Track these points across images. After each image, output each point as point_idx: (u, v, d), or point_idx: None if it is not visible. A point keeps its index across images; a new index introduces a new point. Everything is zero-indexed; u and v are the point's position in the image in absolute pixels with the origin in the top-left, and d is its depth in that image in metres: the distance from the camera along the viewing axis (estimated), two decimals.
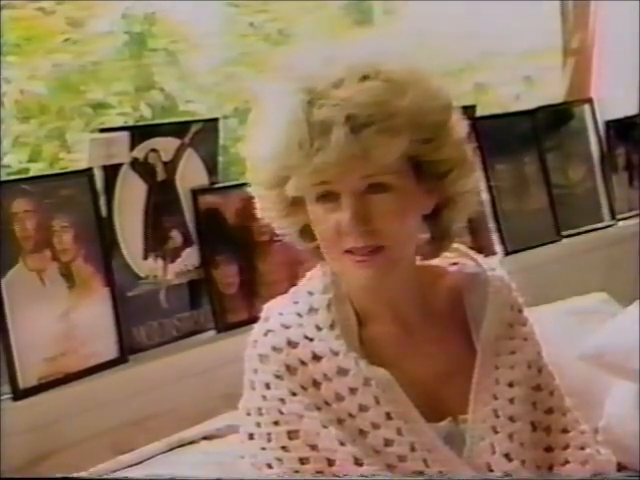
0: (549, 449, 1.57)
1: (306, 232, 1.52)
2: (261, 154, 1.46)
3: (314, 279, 1.56)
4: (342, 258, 1.46)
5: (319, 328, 1.49)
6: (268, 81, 1.49)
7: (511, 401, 1.53)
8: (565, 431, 1.59)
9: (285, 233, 1.55)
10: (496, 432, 1.50)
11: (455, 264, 1.62)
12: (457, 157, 1.48)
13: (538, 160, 3.02)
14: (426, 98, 1.43)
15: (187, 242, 2.22)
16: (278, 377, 1.47)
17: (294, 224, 1.53)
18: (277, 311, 1.53)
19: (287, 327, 1.50)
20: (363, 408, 1.46)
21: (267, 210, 1.53)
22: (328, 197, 1.43)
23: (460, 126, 1.50)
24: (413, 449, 1.46)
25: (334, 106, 1.39)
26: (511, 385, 1.54)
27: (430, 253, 1.56)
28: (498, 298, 1.58)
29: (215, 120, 2.32)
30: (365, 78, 1.41)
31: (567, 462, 1.57)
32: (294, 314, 1.52)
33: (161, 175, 2.19)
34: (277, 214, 1.52)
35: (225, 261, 2.25)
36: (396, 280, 1.49)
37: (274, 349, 1.48)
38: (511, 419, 1.52)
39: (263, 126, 1.46)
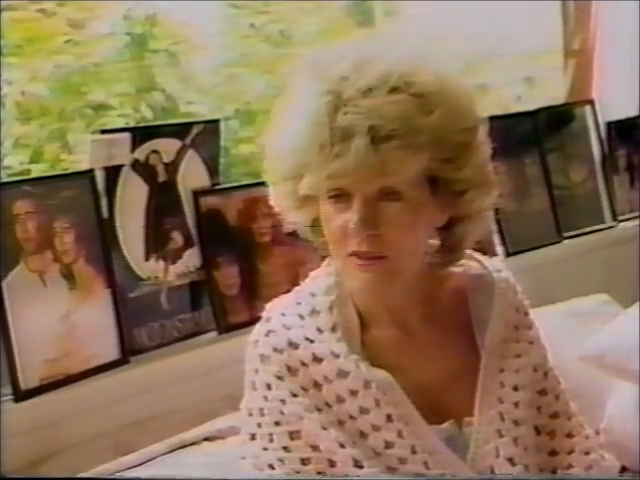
0: (553, 453, 1.57)
1: (317, 225, 1.52)
2: (281, 146, 1.45)
3: (317, 279, 1.56)
4: (346, 259, 1.45)
5: (320, 330, 1.49)
6: (301, 75, 1.47)
7: (516, 405, 1.53)
8: (570, 436, 1.59)
9: (297, 223, 1.55)
10: (501, 436, 1.50)
11: (460, 265, 1.61)
12: (476, 178, 1.47)
13: (539, 161, 3.02)
14: (453, 118, 1.42)
15: (188, 243, 2.22)
16: (279, 378, 1.47)
17: (306, 216, 1.52)
18: (279, 311, 1.53)
19: (288, 328, 1.50)
20: (364, 410, 1.46)
21: (281, 200, 1.52)
22: (341, 197, 1.43)
23: (484, 147, 1.48)
24: (414, 451, 1.45)
25: (359, 114, 1.38)
26: (516, 389, 1.53)
27: (439, 265, 1.55)
28: (504, 300, 1.58)
29: (216, 121, 2.32)
30: (395, 90, 1.39)
31: (571, 466, 1.57)
32: (296, 315, 1.51)
33: (162, 176, 2.19)
34: (290, 205, 1.51)
35: (226, 262, 2.25)
36: (397, 287, 1.48)
37: (275, 350, 1.48)
38: (516, 423, 1.52)
39: (287, 119, 1.45)
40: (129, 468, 1.87)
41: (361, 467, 1.44)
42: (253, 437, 1.50)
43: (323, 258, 1.58)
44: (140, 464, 1.89)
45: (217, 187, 2.29)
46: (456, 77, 1.48)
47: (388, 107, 1.38)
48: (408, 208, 1.42)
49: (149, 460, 1.90)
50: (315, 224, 1.52)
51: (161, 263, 2.17)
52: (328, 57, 1.46)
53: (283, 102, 1.48)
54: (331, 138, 1.38)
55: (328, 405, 1.46)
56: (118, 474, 1.85)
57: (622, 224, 3.23)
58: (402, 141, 1.38)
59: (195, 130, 2.25)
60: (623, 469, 1.90)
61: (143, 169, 2.15)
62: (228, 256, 2.26)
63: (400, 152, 1.38)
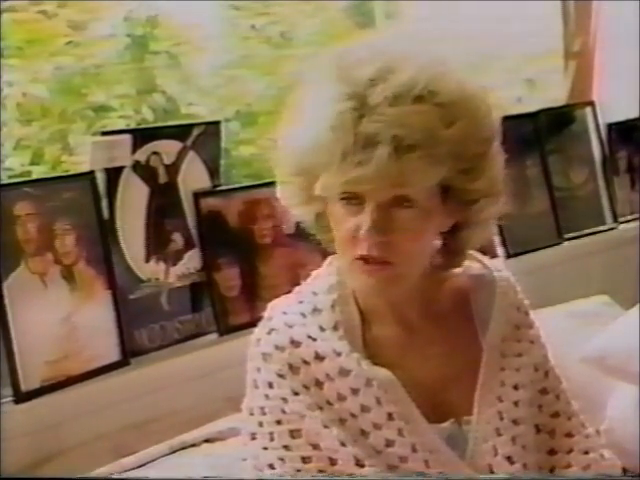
0: (552, 452, 1.57)
1: (322, 220, 1.51)
2: (298, 143, 1.44)
3: (319, 278, 1.56)
4: (353, 262, 1.45)
5: (322, 329, 1.49)
6: (324, 74, 1.44)
7: (516, 404, 1.53)
8: (569, 435, 1.59)
9: (302, 219, 1.55)
10: (499, 435, 1.50)
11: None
12: (488, 189, 1.48)
13: (540, 163, 3.02)
14: (472, 129, 1.43)
15: (189, 245, 2.22)
16: (281, 376, 1.47)
17: (311, 212, 1.52)
18: (281, 310, 1.53)
19: (290, 326, 1.50)
20: (365, 409, 1.46)
21: (287, 196, 1.52)
22: (353, 199, 1.43)
23: (499, 157, 1.50)
24: (414, 450, 1.45)
25: (383, 122, 1.37)
26: (516, 388, 1.54)
27: (441, 267, 1.55)
28: (505, 299, 1.58)
29: (217, 123, 2.32)
30: (419, 99, 1.39)
31: (570, 466, 1.57)
32: (298, 314, 1.51)
33: (163, 178, 2.19)
34: (297, 201, 1.51)
35: (227, 264, 2.25)
36: (399, 290, 1.49)
37: (277, 348, 1.48)
38: (515, 422, 1.52)
39: (308, 117, 1.43)
40: (130, 470, 1.87)
41: (362, 466, 1.44)
42: (254, 437, 1.49)
43: (324, 258, 1.58)
44: (141, 465, 1.89)
45: (218, 189, 2.29)
46: (475, 83, 1.48)
47: (413, 117, 1.38)
48: (419, 215, 1.43)
49: (150, 462, 1.90)
50: (318, 219, 1.52)
51: (162, 264, 2.18)
52: (353, 59, 1.44)
53: (301, 99, 1.46)
54: (355, 144, 1.38)
55: (329, 403, 1.46)
56: (119, 475, 1.85)
57: (622, 226, 3.23)
58: (424, 152, 1.38)
59: (196, 132, 2.25)
60: (623, 471, 1.90)
61: (144, 171, 2.15)
62: (229, 258, 2.26)
63: (421, 163, 1.38)
